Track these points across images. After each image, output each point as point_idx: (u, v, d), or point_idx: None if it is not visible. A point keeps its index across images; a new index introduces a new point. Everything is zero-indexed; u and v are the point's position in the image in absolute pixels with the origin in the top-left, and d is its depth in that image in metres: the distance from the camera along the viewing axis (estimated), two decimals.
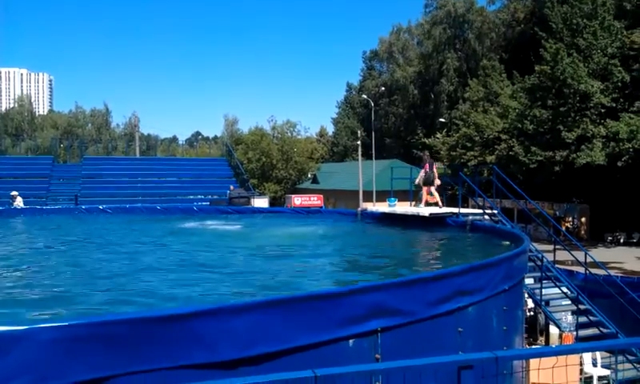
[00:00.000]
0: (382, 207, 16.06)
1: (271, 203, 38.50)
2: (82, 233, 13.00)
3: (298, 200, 36.36)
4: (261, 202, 30.02)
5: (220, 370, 3.60)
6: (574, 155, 32.27)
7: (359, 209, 15.67)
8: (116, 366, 3.31)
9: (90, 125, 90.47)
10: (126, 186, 31.82)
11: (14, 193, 21.40)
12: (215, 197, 29.87)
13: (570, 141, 32.51)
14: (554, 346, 9.88)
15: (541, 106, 34.84)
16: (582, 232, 37.64)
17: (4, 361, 3.02)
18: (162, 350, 3.45)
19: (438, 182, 14.37)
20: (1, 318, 4.64)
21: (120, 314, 3.67)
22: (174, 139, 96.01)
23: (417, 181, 14.78)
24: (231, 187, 27.49)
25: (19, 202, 20.62)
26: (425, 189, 14.25)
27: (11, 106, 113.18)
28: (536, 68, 35.30)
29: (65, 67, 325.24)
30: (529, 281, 11.83)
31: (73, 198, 28.95)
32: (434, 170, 14.42)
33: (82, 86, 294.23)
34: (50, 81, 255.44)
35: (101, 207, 18.75)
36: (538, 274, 11.83)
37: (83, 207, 19.58)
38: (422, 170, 14.42)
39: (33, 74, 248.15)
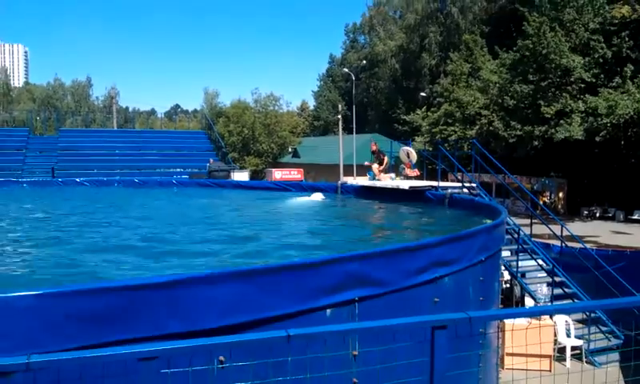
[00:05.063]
0: (362, 181, 16.08)
1: (252, 177, 38.30)
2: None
3: (278, 174, 36.24)
4: (241, 176, 29.86)
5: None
6: (553, 130, 32.53)
7: (339, 182, 15.65)
8: (93, 335, 3.26)
9: (69, 97, 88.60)
10: (104, 159, 31.36)
11: None
12: (195, 170, 29.63)
13: (550, 116, 32.73)
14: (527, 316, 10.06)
15: (522, 81, 34.93)
16: (559, 206, 38.20)
17: None
18: (141, 320, 3.42)
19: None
20: None
21: (98, 283, 3.60)
22: (153, 112, 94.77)
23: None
24: (210, 160, 27.27)
25: None
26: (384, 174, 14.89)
27: None
28: (518, 42, 35.31)
29: (42, 39, 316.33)
30: (506, 253, 12.00)
31: (49, 170, 28.46)
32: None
33: (63, 59, 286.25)
34: (26, 52, 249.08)
35: (78, 180, 18.52)
36: (515, 247, 12.01)
37: (60, 180, 19.29)
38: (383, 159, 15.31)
39: (7, 46, 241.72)
